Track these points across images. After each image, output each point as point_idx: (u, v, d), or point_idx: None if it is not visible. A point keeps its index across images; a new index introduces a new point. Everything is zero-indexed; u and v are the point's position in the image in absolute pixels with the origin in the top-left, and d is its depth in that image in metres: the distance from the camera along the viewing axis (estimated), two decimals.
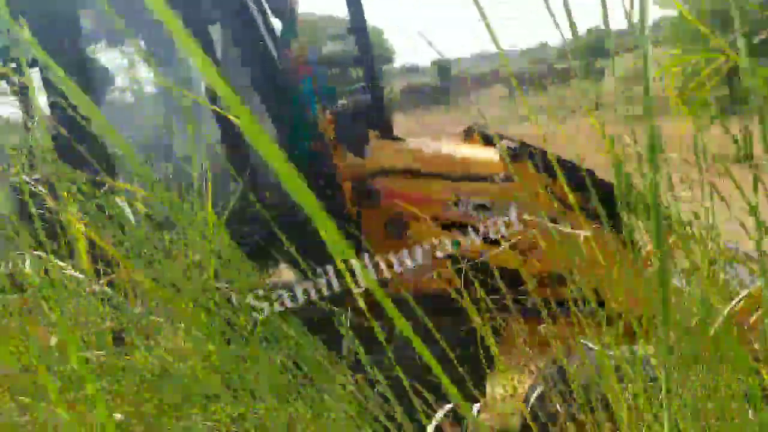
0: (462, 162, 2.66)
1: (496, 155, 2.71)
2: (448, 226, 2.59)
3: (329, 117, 2.33)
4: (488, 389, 2.83)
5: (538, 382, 2.46)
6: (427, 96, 20.79)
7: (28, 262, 1.08)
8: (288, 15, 2.29)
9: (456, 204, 2.56)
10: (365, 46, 2.60)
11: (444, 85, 24.63)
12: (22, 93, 3.11)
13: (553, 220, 2.75)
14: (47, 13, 2.03)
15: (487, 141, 3.04)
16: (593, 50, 22.35)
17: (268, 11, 2.38)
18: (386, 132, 2.66)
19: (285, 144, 2.14)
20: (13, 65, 3.03)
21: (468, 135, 3.16)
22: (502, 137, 2.94)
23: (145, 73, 3.47)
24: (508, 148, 2.58)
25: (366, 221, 2.49)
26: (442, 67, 26.63)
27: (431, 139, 2.96)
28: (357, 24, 2.56)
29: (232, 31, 2.14)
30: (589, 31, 24.70)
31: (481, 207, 2.58)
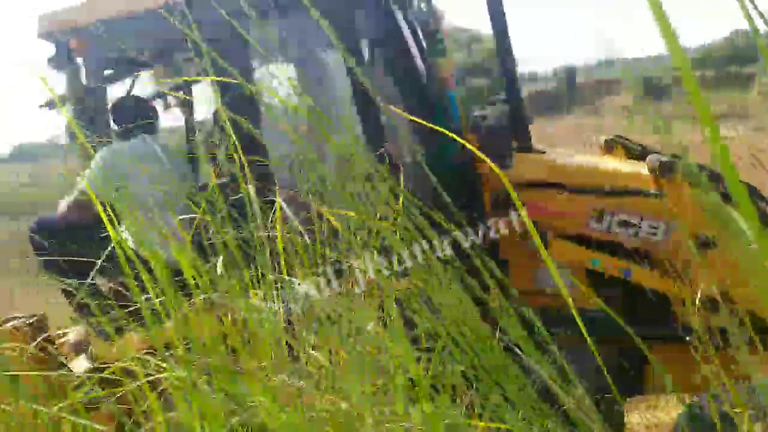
0: (606, 175, 2.54)
1: (643, 168, 2.56)
2: (589, 242, 2.49)
3: (472, 128, 2.34)
4: (627, 418, 2.66)
5: (687, 412, 2.27)
6: (550, 104, 20.08)
7: (219, 262, 1.20)
8: (434, 32, 2.33)
9: (599, 220, 2.45)
10: (507, 54, 2.55)
11: (568, 92, 23.68)
12: (187, 105, 3.47)
13: (707, 242, 2.55)
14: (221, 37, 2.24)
15: (631, 153, 2.88)
16: (739, 55, 20.35)
17: (417, 29, 2.45)
18: (525, 143, 2.61)
19: (430, 155, 2.18)
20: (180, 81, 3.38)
21: (610, 146, 3.01)
22: (650, 149, 2.77)
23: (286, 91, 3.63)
24: (660, 161, 2.43)
25: (504, 235, 2.46)
26: (566, 74, 25.63)
27: (571, 150, 2.86)
28: (499, 30, 2.52)
29: (383, 48, 2.23)
30: (735, 33, 22.50)
31: (627, 223, 2.44)
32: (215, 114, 3.32)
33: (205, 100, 3.46)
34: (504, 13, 2.52)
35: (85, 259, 1.69)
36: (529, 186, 2.47)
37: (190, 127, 3.47)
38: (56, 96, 1.75)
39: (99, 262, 1.18)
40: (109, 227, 0.96)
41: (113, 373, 1.39)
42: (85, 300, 1.82)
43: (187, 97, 3.35)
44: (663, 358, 2.06)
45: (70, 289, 1.60)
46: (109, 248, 1.12)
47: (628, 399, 2.80)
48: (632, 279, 2.48)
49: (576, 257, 2.51)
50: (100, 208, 0.97)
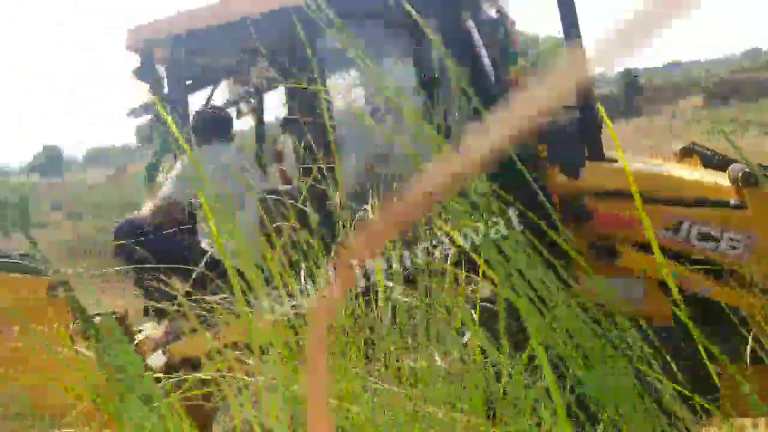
0: (684, 185, 2.45)
1: (724, 178, 2.45)
2: (666, 255, 2.40)
3: (542, 135, 2.30)
4: None
5: None
6: (613, 108, 19.45)
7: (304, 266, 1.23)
8: (506, 39, 2.32)
9: (676, 231, 2.36)
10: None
11: (631, 96, 22.90)
12: (257, 111, 3.60)
13: None
14: (292, 44, 2.31)
15: (708, 162, 2.76)
16: None
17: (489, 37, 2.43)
18: (597, 151, 2.55)
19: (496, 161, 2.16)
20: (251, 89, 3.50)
21: (685, 155, 2.90)
22: (729, 159, 2.65)
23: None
24: (743, 171, 2.32)
25: (574, 243, 2.40)
26: (630, 77, 24.81)
27: (647, 159, 2.77)
28: (571, 34, 2.46)
29: (452, 55, 2.23)
30: None
31: (707, 236, 2.34)
32: (283, 120, 3.43)
33: (274, 107, 3.58)
34: (576, 17, 2.47)
35: (164, 265, 1.78)
36: (601, 195, 2.40)
37: (260, 134, 3.60)
38: (158, 101, 1.86)
39: (198, 269, 1.24)
40: (218, 241, 1.00)
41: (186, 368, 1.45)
42: (166, 299, 1.92)
43: (260, 95, 3.49)
44: (741, 378, 1.96)
45: (156, 286, 1.69)
46: (209, 254, 1.16)
47: (704, 418, 2.68)
48: (710, 294, 2.37)
49: (650, 269, 2.42)
50: (204, 200, 1.00)
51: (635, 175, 2.48)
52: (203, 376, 1.13)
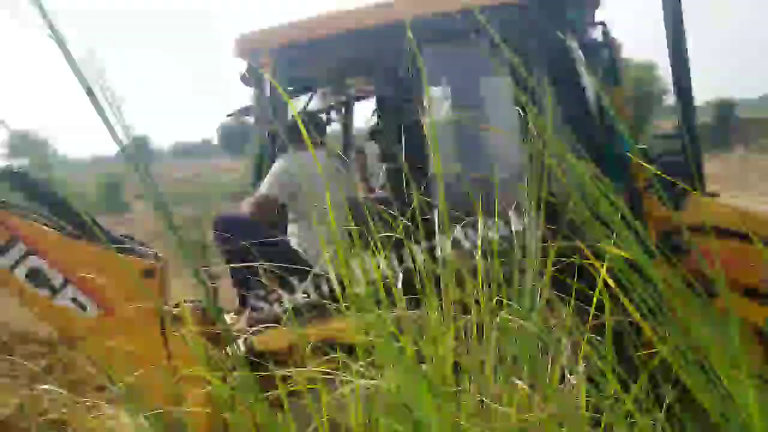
0: None
1: None
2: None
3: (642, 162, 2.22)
4: None
5: None
6: (706, 141, 18.35)
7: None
8: (612, 61, 2.26)
9: None
10: (685, 87, 2.38)
11: (724, 128, 21.61)
12: (347, 120, 3.71)
13: None
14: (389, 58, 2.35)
15: None
16: None
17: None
18: (697, 183, 2.43)
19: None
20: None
21: None
22: None
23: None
24: None
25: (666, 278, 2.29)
26: (723, 108, 23.43)
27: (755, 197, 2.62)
28: (678, 62, 2.35)
29: (554, 77, 2.20)
30: None
31: None
32: (371, 129, 3.51)
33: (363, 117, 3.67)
34: (686, 44, 2.37)
35: (260, 263, 1.85)
36: (698, 230, 2.28)
37: (347, 143, 3.70)
38: (256, 107, 1.92)
39: (312, 272, 1.28)
40: (323, 244, 1.03)
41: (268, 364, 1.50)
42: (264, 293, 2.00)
43: (350, 105, 3.59)
44: None
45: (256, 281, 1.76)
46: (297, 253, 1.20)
47: None
48: None
49: (748, 314, 2.27)
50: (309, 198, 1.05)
51: (741, 213, 2.34)
52: (306, 372, 1.16)
